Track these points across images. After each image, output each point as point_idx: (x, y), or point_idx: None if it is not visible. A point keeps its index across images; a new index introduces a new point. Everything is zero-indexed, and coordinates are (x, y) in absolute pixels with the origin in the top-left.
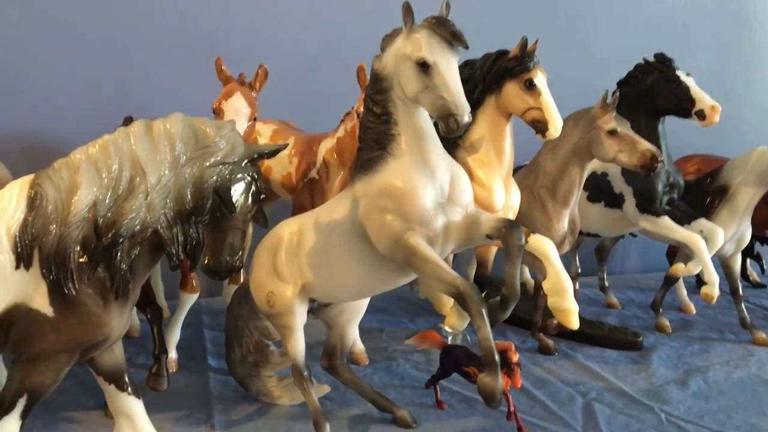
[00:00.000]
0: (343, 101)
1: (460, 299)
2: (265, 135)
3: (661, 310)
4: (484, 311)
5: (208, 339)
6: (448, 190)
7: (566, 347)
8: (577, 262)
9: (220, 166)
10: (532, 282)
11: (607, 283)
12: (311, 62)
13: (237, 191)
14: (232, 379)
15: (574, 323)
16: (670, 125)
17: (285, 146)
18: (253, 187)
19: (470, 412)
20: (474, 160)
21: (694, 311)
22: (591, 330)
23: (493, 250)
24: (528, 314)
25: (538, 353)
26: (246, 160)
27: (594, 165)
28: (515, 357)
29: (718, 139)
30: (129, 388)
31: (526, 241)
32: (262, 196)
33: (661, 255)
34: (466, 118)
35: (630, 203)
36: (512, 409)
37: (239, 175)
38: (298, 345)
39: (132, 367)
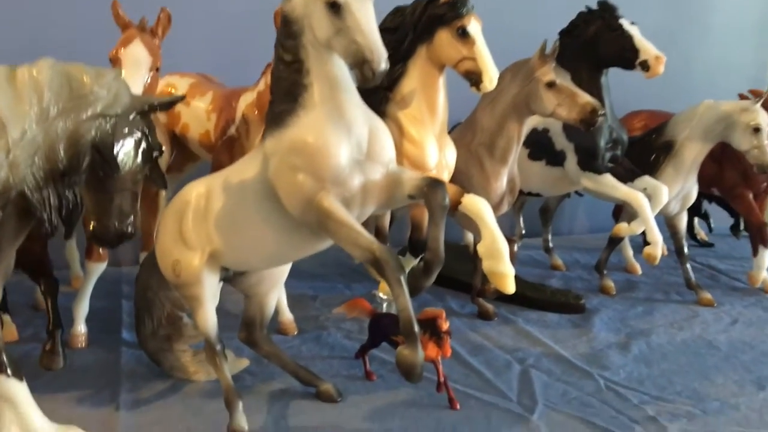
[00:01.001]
0: (268, 53)
1: (377, 265)
2: (181, 89)
3: (605, 272)
4: (402, 278)
5: (125, 311)
6: (367, 146)
7: (506, 312)
8: (521, 223)
9: (100, 119)
10: (472, 244)
11: (551, 245)
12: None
13: (122, 148)
14: (145, 357)
15: (510, 287)
16: (619, 81)
17: (181, 98)
18: (144, 144)
19: (400, 383)
20: (405, 116)
21: (640, 272)
22: (532, 293)
23: (425, 213)
24: (469, 277)
25: (477, 318)
26: (134, 113)
27: (535, 121)
28: (445, 325)
29: (667, 94)
30: (8, 370)
31: (461, 201)
32: (156, 154)
33: (609, 215)
34: (383, 65)
35: (571, 160)
36: (442, 379)
37: (125, 130)
38: (208, 317)
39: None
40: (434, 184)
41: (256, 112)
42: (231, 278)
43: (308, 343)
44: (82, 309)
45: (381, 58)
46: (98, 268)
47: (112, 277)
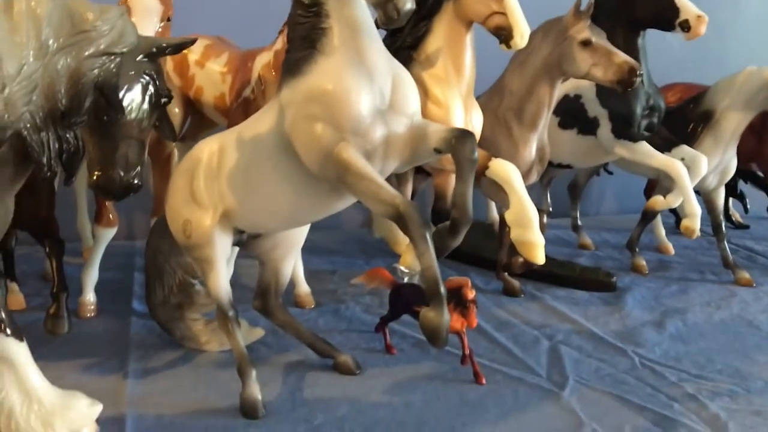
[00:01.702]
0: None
1: (400, 221)
2: (196, 51)
3: (637, 250)
4: (428, 234)
5: (137, 282)
6: (390, 95)
7: (533, 289)
8: (549, 200)
9: (104, 57)
10: (498, 221)
11: (580, 223)
12: None
13: (128, 90)
14: (158, 326)
15: (539, 257)
16: (652, 53)
17: (193, 41)
18: (151, 88)
19: (422, 356)
20: (430, 76)
21: (673, 252)
22: (560, 270)
23: (453, 180)
24: (493, 254)
25: (503, 295)
26: (141, 55)
27: (566, 87)
28: (471, 294)
29: (701, 71)
30: (7, 329)
31: (488, 166)
32: (164, 100)
33: (639, 196)
34: (408, 4)
35: (605, 128)
36: (467, 352)
37: (131, 72)
38: (220, 281)
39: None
40: (462, 135)
41: (273, 73)
42: (245, 243)
43: (325, 316)
44: (91, 277)
45: None
46: (108, 234)
47: (125, 251)
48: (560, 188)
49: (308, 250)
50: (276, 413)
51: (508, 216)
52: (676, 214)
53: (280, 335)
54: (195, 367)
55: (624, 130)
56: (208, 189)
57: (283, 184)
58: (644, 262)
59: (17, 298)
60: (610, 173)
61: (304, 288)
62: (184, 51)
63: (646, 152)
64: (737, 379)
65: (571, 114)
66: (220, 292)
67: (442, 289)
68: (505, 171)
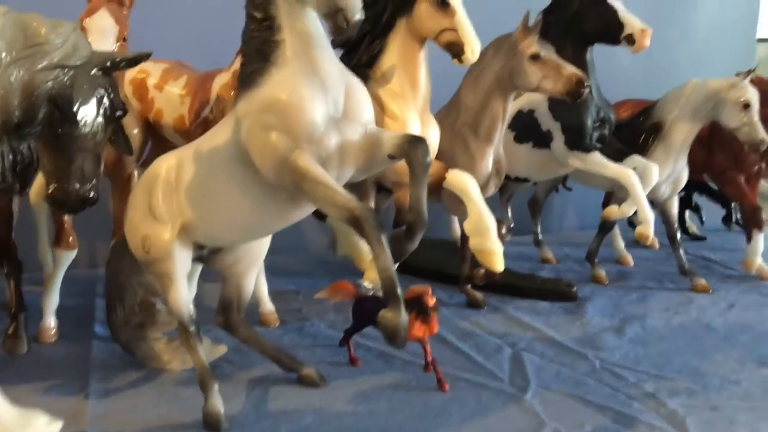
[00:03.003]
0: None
1: (356, 224)
2: (154, 74)
3: (596, 261)
4: (383, 237)
5: (99, 308)
6: (343, 104)
7: (496, 301)
8: (509, 215)
9: (57, 70)
10: (459, 237)
11: (541, 237)
12: None
13: (82, 103)
14: (119, 347)
15: (498, 265)
16: (603, 72)
17: (147, 55)
18: (106, 101)
19: (387, 367)
20: (386, 92)
21: (632, 263)
22: (522, 282)
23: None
24: (456, 270)
25: (466, 308)
26: (95, 69)
27: (520, 102)
28: (432, 301)
29: (651, 88)
30: None
31: (445, 177)
32: (119, 113)
33: (598, 211)
34: (357, 15)
35: (558, 140)
36: (430, 359)
37: (85, 85)
38: (180, 296)
39: None
40: (415, 140)
41: (232, 93)
42: (206, 258)
43: (290, 333)
44: (52, 301)
45: (356, 7)
46: (68, 257)
47: (87, 278)
48: (521, 206)
49: (273, 271)
50: (239, 426)
51: (467, 226)
52: (634, 227)
53: (244, 352)
54: (157, 385)
55: (576, 141)
56: (167, 203)
57: (240, 194)
58: (604, 273)
59: None
60: (569, 189)
61: (268, 306)
62: (143, 75)
63: (598, 162)
64: (695, 377)
65: (525, 128)
66: (181, 307)
67: (399, 290)
68: (462, 181)
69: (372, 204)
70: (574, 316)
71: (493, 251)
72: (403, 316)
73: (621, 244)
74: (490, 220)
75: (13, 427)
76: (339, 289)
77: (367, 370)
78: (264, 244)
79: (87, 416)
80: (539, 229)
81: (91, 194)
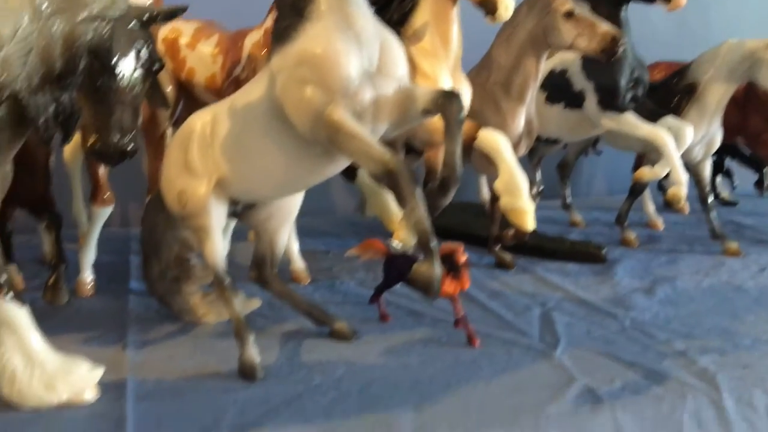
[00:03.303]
0: None
1: (390, 177)
2: (186, 34)
3: (626, 224)
4: (417, 191)
5: (134, 264)
6: (378, 59)
7: (525, 262)
8: (538, 178)
9: (97, 22)
10: (489, 200)
11: (570, 201)
12: None
13: (121, 56)
14: (154, 301)
15: (529, 224)
16: (637, 37)
17: (184, 9)
18: (144, 54)
19: (417, 323)
20: (418, 50)
21: (662, 227)
22: (551, 244)
23: (440, 156)
24: (485, 231)
25: (495, 269)
26: (133, 21)
27: (552, 62)
28: (463, 257)
29: (685, 50)
30: (8, 293)
31: (476, 137)
32: (156, 66)
33: (628, 176)
34: None
35: (591, 101)
36: (460, 315)
37: (123, 38)
38: (215, 249)
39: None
40: (449, 95)
41: (264, 52)
42: (240, 213)
43: (321, 290)
44: (89, 257)
45: None
46: (103, 213)
47: (121, 237)
48: (550, 171)
49: (302, 232)
50: (274, 376)
51: (498, 185)
52: (665, 191)
53: (276, 308)
54: (193, 338)
55: (610, 101)
56: (202, 158)
57: (275, 149)
58: (634, 236)
59: (16, 279)
60: (599, 153)
61: (299, 264)
62: (175, 34)
63: (632, 123)
64: (726, 337)
65: (557, 88)
66: (216, 260)
67: (433, 243)
68: (494, 140)
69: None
70: (603, 278)
71: (524, 210)
72: (437, 268)
73: (651, 207)
74: (521, 179)
75: (56, 372)
76: (369, 247)
77: (398, 326)
78: (296, 200)
79: (126, 365)
80: (568, 193)
81: (130, 146)
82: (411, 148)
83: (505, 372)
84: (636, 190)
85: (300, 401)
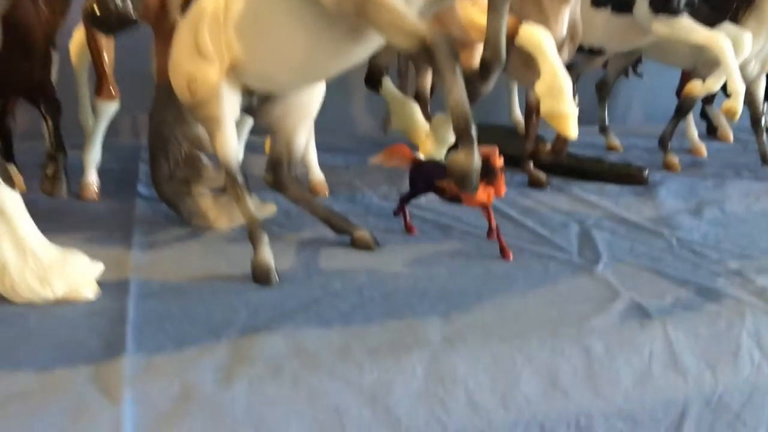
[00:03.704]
0: None
1: (426, 53)
2: None
3: (670, 146)
4: (457, 67)
5: (143, 171)
6: None
7: (560, 182)
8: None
9: None
10: (520, 121)
11: (607, 123)
12: None
13: None
14: (164, 205)
15: (572, 130)
16: None
17: None
18: None
19: (444, 236)
20: None
21: (706, 154)
22: (588, 165)
23: (478, 55)
24: (517, 151)
25: (528, 187)
26: None
27: None
28: (499, 162)
29: None
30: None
31: (517, 32)
32: None
33: (667, 104)
34: None
35: (642, 3)
36: (494, 225)
37: None
38: (227, 141)
39: None
40: None
41: None
42: (255, 108)
43: (341, 202)
44: (93, 157)
45: None
46: (109, 108)
47: (130, 147)
48: (586, 95)
49: (321, 148)
50: (290, 281)
51: (539, 87)
52: (708, 120)
53: (293, 217)
54: (204, 241)
55: (663, 3)
56: (214, 40)
57: (295, 27)
58: (677, 160)
59: (17, 179)
60: (640, 75)
61: (317, 175)
62: None
63: (687, 27)
64: None
65: None
66: (229, 154)
67: (473, 129)
68: (537, 36)
69: (430, 79)
70: (645, 198)
71: (567, 114)
72: (476, 157)
73: (695, 132)
74: (565, 80)
75: (51, 265)
76: (395, 153)
77: (424, 238)
78: (316, 97)
79: (130, 265)
80: (606, 116)
81: (131, 13)
82: None
83: (542, 285)
84: (684, 108)
85: (317, 306)
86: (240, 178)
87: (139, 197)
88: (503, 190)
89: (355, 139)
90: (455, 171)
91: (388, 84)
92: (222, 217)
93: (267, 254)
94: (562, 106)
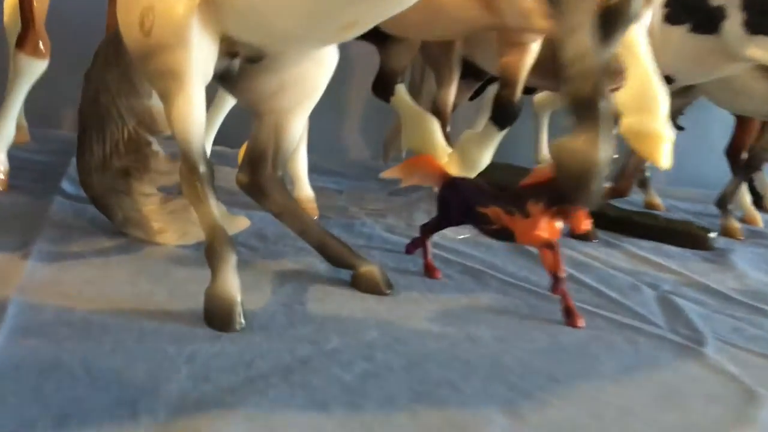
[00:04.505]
0: None
1: None
2: None
3: (730, 208)
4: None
5: (74, 166)
6: None
7: (607, 237)
8: None
9: None
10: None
11: (648, 174)
12: None
13: None
14: (90, 208)
15: (663, 156)
16: None
17: None
18: None
19: (479, 286)
20: None
21: (761, 223)
22: (640, 218)
23: (527, 60)
24: None
25: (571, 239)
26: None
27: None
28: None
29: None
30: None
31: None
32: None
33: (693, 168)
34: None
35: (734, 20)
36: (562, 274)
37: None
38: (190, 110)
39: None
40: None
41: None
42: (235, 78)
43: (335, 229)
44: (4, 133)
45: None
46: (31, 66)
47: (69, 141)
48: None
49: (308, 167)
50: (263, 329)
51: (623, 96)
52: (755, 193)
53: (270, 239)
54: (137, 259)
55: (763, 22)
56: None
57: None
58: (738, 225)
59: None
60: (681, 129)
61: (306, 190)
62: None
63: None
64: None
65: (684, 3)
66: (190, 129)
67: (603, 101)
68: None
69: (453, 90)
70: (720, 266)
71: (658, 134)
72: (607, 146)
73: (748, 199)
74: (659, 90)
75: None
76: (419, 166)
77: (452, 287)
78: (324, 71)
79: (17, 279)
80: (645, 167)
81: None
82: (470, 71)
83: (639, 369)
84: (755, 162)
85: (304, 371)
86: (203, 168)
87: (60, 194)
88: (584, 224)
89: (348, 163)
90: (568, 166)
91: (402, 92)
92: (170, 228)
93: (231, 282)
94: (654, 122)
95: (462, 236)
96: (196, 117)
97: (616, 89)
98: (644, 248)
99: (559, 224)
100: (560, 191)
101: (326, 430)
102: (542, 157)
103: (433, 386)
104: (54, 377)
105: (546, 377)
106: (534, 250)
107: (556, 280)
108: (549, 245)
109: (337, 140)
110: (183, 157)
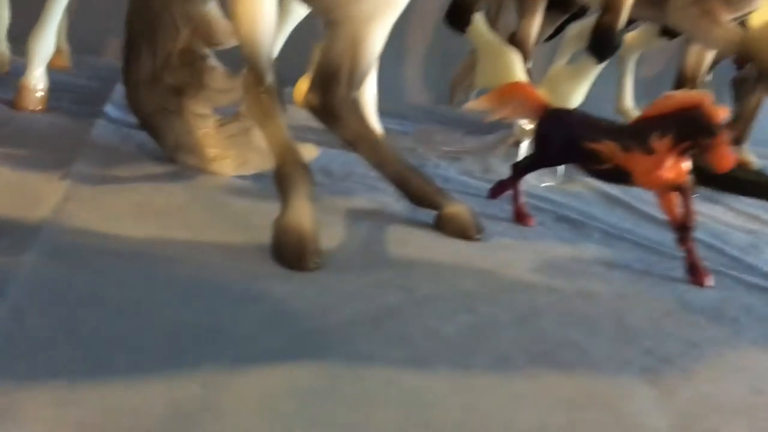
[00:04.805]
0: None
1: None
2: None
3: None
4: None
5: (120, 91)
6: None
7: (708, 193)
8: None
9: None
10: (632, 114)
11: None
12: None
13: None
14: (137, 134)
15: None
16: None
17: None
18: None
19: (578, 236)
20: None
21: None
22: (742, 175)
23: None
24: None
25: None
26: None
27: None
28: (721, 113)
29: None
30: None
31: None
32: None
33: None
34: None
35: None
36: (692, 224)
37: None
38: (259, 8)
39: None
40: None
41: None
42: None
43: None
44: (42, 47)
45: None
46: None
47: (113, 67)
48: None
49: None
50: (340, 270)
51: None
52: None
53: (338, 175)
54: (191, 188)
55: None
56: None
57: None
58: None
59: None
60: None
61: (373, 123)
62: None
63: None
64: None
65: None
66: (257, 31)
67: None
68: None
69: (537, 22)
70: None
71: None
72: None
73: None
74: None
75: None
76: (513, 94)
77: (549, 236)
78: None
79: (52, 203)
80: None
81: None
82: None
83: None
84: None
85: (397, 320)
86: (271, 79)
87: (103, 117)
88: (728, 160)
89: (409, 106)
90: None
91: (481, 24)
92: (227, 155)
93: (305, 213)
94: None
95: (546, 183)
96: (265, 15)
97: None
98: (751, 205)
99: (687, 164)
100: (695, 123)
101: (433, 392)
102: (625, 107)
103: (553, 346)
104: (94, 312)
105: (683, 342)
106: (637, 200)
107: (683, 230)
108: (677, 188)
109: (394, 81)
110: (248, 65)
